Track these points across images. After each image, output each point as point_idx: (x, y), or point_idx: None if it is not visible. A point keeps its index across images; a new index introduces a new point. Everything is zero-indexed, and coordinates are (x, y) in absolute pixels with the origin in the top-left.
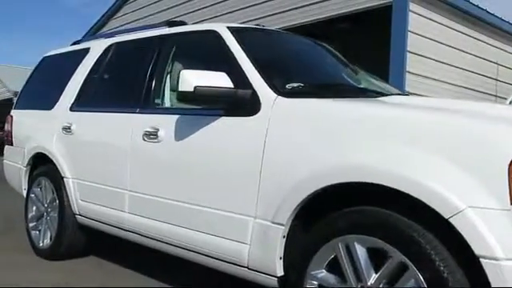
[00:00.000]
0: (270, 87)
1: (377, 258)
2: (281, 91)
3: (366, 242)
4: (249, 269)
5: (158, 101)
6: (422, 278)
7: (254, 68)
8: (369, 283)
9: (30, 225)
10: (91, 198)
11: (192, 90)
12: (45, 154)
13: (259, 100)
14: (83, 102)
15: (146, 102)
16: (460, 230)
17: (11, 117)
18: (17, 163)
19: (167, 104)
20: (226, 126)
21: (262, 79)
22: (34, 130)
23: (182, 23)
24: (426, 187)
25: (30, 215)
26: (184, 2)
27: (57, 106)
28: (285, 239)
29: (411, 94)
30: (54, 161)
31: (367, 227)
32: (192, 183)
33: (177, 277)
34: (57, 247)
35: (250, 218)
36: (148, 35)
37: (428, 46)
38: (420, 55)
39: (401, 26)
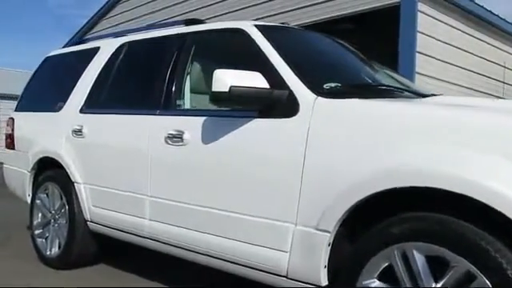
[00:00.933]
0: (308, 87)
1: (435, 266)
2: (320, 91)
3: (425, 249)
4: (288, 278)
5: (179, 102)
6: None
7: (288, 68)
8: None
9: (36, 232)
10: (105, 204)
11: (227, 90)
12: (52, 159)
13: (297, 101)
14: (95, 104)
15: (166, 103)
16: None
17: (12, 119)
18: (20, 168)
19: (187, 105)
20: (261, 128)
21: (298, 79)
22: (39, 133)
23: (200, 21)
24: (493, 190)
25: (35, 222)
26: (180, 2)
27: (65, 108)
28: (330, 247)
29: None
30: (64, 165)
31: (429, 235)
32: (224, 188)
33: (177, 277)
34: (66, 256)
35: (290, 224)
36: (165, 34)
37: (436, 46)
38: (428, 56)
39: (410, 26)
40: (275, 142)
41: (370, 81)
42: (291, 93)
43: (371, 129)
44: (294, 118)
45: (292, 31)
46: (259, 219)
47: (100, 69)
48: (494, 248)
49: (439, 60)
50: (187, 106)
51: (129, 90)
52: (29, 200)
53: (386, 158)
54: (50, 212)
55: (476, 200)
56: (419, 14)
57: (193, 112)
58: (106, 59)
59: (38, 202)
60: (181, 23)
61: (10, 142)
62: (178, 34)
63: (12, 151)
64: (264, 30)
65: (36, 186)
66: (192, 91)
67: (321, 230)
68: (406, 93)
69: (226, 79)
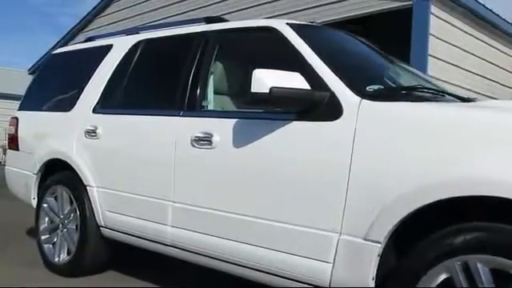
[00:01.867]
0: (351, 89)
1: (501, 280)
2: (364, 94)
3: (491, 262)
4: None
5: (204, 103)
6: None
7: (328, 68)
8: None
9: (42, 237)
10: (122, 209)
11: (267, 91)
12: (62, 160)
13: (340, 103)
14: (110, 104)
15: (190, 104)
16: None
17: (16, 119)
18: (24, 170)
19: (212, 106)
20: (301, 131)
21: (339, 81)
22: (47, 133)
23: (222, 19)
24: None
25: (41, 227)
26: (177, 2)
27: (76, 108)
28: (379, 258)
29: None
30: (75, 168)
31: (496, 247)
32: (260, 195)
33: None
34: (77, 262)
35: (334, 234)
36: (187, 32)
37: (447, 50)
38: (440, 59)
39: (422, 28)
40: (317, 147)
41: (407, 83)
42: (333, 94)
43: (427, 135)
44: (337, 121)
45: (323, 30)
46: (299, 227)
47: (114, 67)
48: None
49: (450, 63)
50: (212, 107)
51: (148, 89)
52: (34, 203)
53: (452, 166)
54: (59, 216)
55: None
56: (432, 17)
57: (222, 114)
58: (121, 57)
59: (45, 205)
60: (200, 21)
61: (14, 143)
62: (200, 32)
63: (15, 152)
64: (298, 28)
65: (43, 189)
66: (216, 92)
67: (370, 241)
68: (447, 96)
69: (265, 80)
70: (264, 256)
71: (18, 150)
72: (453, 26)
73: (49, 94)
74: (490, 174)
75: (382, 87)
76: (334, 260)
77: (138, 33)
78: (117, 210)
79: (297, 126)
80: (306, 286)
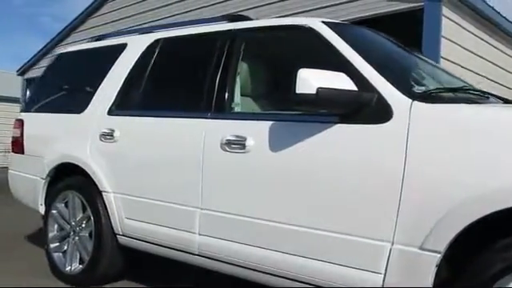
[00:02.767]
0: (400, 91)
1: None
2: (413, 95)
3: None
4: None
5: (233, 105)
6: None
7: (372, 68)
8: None
9: (52, 246)
10: (142, 217)
11: (314, 92)
12: (74, 165)
13: (389, 105)
14: (127, 105)
15: (218, 106)
16: None
17: (21, 121)
18: (31, 174)
19: (239, 109)
20: (347, 134)
21: (387, 81)
22: (56, 136)
23: (246, 18)
24: None
25: (50, 235)
26: (175, 2)
27: (89, 109)
28: (436, 269)
29: None
30: (89, 172)
31: None
32: (303, 202)
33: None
34: (91, 272)
35: (386, 243)
36: (209, 30)
37: (459, 53)
38: (451, 62)
39: (433, 31)
40: (366, 151)
41: (447, 83)
42: (380, 96)
43: (496, 137)
44: (387, 124)
45: (357, 28)
46: (346, 236)
47: (131, 67)
48: None
49: (462, 66)
50: (241, 109)
51: (170, 90)
52: (41, 210)
53: None
54: (70, 224)
55: None
56: (443, 19)
57: (255, 116)
58: (137, 56)
59: (54, 212)
60: (223, 19)
61: (18, 146)
62: (226, 31)
63: (20, 156)
64: (334, 26)
65: (52, 194)
66: (244, 93)
67: (428, 250)
68: (491, 97)
69: (311, 80)
70: (307, 266)
71: (23, 153)
72: (463, 28)
73: (57, 94)
74: None
75: (429, 88)
76: (386, 270)
77: (152, 31)
78: (137, 217)
79: (341, 128)
80: None
